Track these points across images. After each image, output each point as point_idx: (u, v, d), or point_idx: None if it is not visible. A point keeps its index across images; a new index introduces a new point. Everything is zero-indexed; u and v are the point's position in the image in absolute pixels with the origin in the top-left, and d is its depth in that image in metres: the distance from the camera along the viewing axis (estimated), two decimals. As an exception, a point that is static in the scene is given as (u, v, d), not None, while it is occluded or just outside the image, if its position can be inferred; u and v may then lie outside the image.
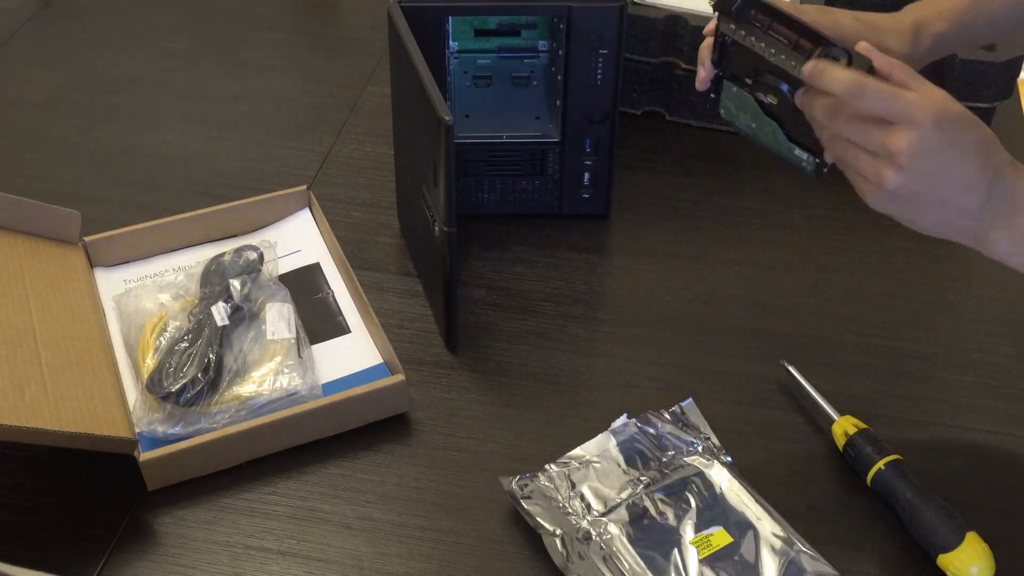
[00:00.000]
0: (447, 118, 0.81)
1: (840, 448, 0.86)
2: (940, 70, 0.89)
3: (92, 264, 1.00)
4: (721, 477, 0.82)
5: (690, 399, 0.88)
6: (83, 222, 1.00)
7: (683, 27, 1.15)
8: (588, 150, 1.04)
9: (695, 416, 0.87)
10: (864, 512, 0.84)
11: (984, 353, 0.97)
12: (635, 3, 1.17)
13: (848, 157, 0.73)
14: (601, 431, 0.85)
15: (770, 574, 0.76)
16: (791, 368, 0.92)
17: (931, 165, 0.69)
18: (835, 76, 0.70)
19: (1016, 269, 0.74)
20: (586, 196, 1.08)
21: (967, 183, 0.71)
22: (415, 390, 0.92)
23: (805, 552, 0.77)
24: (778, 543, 0.77)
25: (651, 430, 0.85)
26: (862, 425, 0.86)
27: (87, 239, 1.00)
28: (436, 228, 0.89)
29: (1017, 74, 1.11)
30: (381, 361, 0.93)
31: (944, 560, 0.78)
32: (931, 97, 0.69)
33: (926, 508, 0.80)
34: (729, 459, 0.84)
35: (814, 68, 0.71)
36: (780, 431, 0.90)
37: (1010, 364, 0.96)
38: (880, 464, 0.83)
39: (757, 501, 0.80)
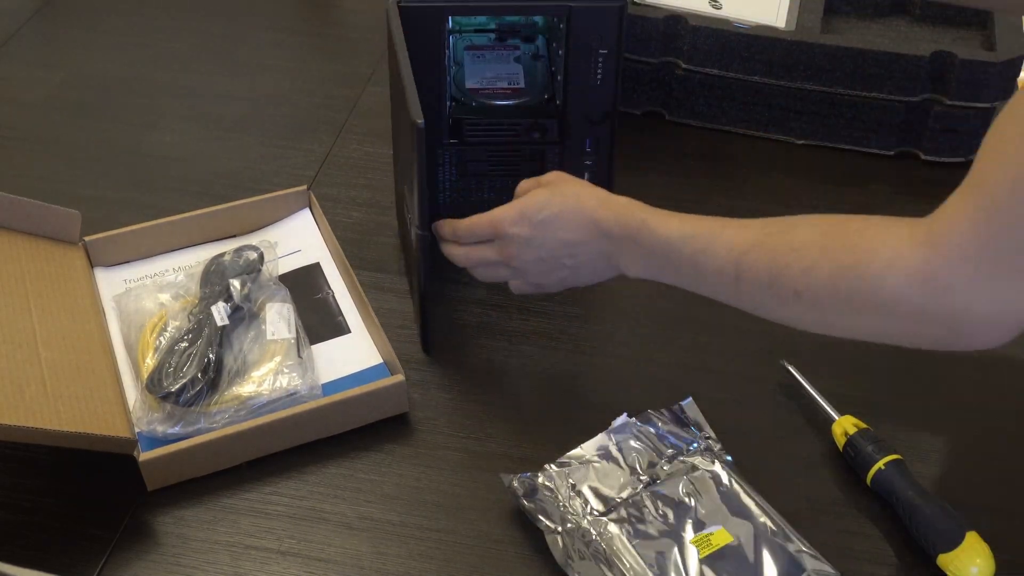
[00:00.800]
0: (419, 121, 0.82)
1: (840, 448, 0.86)
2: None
3: (92, 264, 1.00)
4: (721, 477, 0.82)
5: (690, 399, 0.88)
6: (83, 222, 1.00)
7: (683, 27, 1.15)
8: (588, 150, 1.04)
9: (695, 416, 0.87)
10: (864, 512, 0.84)
11: (984, 352, 0.96)
12: (635, 3, 1.17)
13: (489, 274, 0.91)
14: (601, 431, 0.85)
15: (770, 573, 0.76)
16: (791, 368, 0.92)
17: (532, 251, 0.86)
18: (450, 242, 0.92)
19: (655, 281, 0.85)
20: None
21: (570, 248, 0.86)
22: (415, 390, 0.92)
23: (805, 551, 0.77)
24: (778, 542, 0.77)
25: (651, 429, 0.85)
26: (862, 425, 0.86)
27: (87, 239, 1.00)
28: (412, 231, 0.89)
29: (1017, 74, 1.11)
30: (381, 361, 0.93)
31: (944, 560, 0.78)
32: (505, 210, 0.87)
33: (926, 508, 0.80)
34: (729, 459, 0.84)
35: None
36: (780, 431, 0.90)
37: (1010, 364, 0.96)
38: (880, 464, 0.83)
39: (757, 501, 0.80)
